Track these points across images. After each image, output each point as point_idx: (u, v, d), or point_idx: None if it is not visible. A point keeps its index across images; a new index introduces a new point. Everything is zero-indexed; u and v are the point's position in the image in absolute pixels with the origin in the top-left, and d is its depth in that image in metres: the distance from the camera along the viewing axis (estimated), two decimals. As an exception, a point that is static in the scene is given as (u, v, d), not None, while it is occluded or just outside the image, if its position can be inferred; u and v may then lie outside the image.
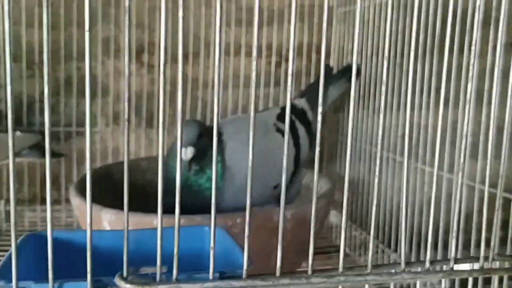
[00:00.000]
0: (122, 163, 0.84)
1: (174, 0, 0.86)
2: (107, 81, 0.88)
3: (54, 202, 0.87)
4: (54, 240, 0.38)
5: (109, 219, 0.58)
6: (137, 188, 0.78)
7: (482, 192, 0.59)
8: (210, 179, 0.67)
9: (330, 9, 0.92)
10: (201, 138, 0.66)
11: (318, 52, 0.93)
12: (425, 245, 0.67)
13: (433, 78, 0.66)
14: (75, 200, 0.64)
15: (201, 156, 0.66)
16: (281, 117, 0.75)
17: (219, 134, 0.70)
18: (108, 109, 0.88)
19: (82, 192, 0.65)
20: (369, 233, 0.78)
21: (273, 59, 0.92)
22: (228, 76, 0.91)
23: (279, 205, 0.74)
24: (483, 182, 0.56)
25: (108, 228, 0.57)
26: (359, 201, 0.82)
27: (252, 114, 0.39)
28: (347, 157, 0.40)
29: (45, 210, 0.87)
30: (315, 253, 0.40)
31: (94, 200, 0.65)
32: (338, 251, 0.85)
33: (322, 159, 0.92)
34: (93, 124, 0.88)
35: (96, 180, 0.76)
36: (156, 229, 0.38)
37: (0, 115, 0.83)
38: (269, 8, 0.91)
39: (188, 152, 0.65)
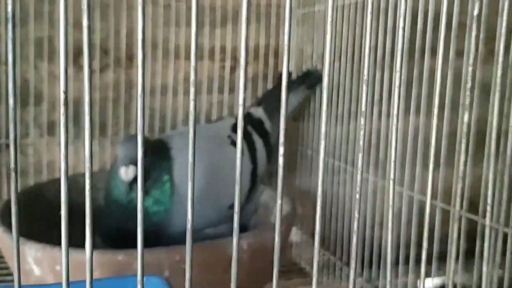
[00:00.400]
0: (58, 180, 0.75)
1: (117, -3, 0.78)
2: (41, 86, 0.78)
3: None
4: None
5: (34, 256, 0.49)
6: (74, 210, 0.70)
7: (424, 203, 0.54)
8: (157, 202, 0.59)
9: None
10: (145, 156, 0.58)
11: (276, 55, 0.86)
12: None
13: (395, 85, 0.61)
14: (-5, 230, 0.55)
15: (145, 176, 0.59)
16: (236, 128, 0.68)
17: (167, 149, 0.62)
18: (42, 118, 0.79)
19: (5, 220, 0.56)
20: (333, 254, 0.72)
21: (227, 63, 0.85)
22: (178, 81, 0.83)
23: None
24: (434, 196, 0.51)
25: (34, 266, 0.49)
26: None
27: (191, 129, 0.32)
28: (319, 183, 0.33)
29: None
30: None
31: (19, 229, 0.56)
32: (299, 271, 0.79)
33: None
34: (24, 135, 0.78)
35: (26, 202, 0.67)
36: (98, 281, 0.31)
37: None
38: (223, 8, 0.83)
39: (130, 172, 0.57)
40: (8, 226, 0.55)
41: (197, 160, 0.63)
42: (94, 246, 0.67)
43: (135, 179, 0.57)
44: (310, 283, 0.74)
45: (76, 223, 0.68)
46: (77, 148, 0.80)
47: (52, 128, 0.79)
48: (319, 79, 0.77)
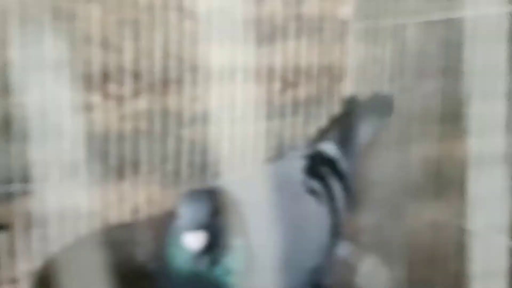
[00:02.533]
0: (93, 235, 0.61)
1: (149, 11, 0.66)
2: (60, 119, 0.66)
3: (-7, 285, 0.64)
4: None
5: None
6: (104, 271, 0.57)
7: None
8: (230, 272, 0.47)
9: (344, 24, 0.74)
10: (216, 216, 0.46)
11: (330, 75, 0.75)
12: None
13: None
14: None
15: (216, 242, 0.46)
16: (309, 170, 0.57)
17: (236, 205, 0.50)
18: (63, 156, 0.66)
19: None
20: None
21: (276, 84, 0.73)
22: (220, 108, 0.71)
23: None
24: None
25: None
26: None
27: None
28: None
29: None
30: None
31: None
32: None
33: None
34: (43, 177, 0.65)
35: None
36: None
37: None
38: (272, 22, 0.71)
39: (199, 239, 0.45)
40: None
41: (273, 217, 0.50)
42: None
43: (205, 248, 0.45)
44: None
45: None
46: (106, 190, 0.68)
47: (75, 168, 0.66)
48: (391, 106, 0.66)
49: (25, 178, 0.64)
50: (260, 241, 0.49)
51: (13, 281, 0.64)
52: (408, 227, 0.66)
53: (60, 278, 0.53)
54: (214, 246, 0.46)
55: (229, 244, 0.48)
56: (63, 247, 0.57)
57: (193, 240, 0.45)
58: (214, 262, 0.47)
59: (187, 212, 0.46)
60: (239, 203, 0.50)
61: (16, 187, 0.64)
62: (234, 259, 0.48)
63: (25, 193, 0.64)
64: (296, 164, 0.58)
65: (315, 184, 0.55)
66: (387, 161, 0.69)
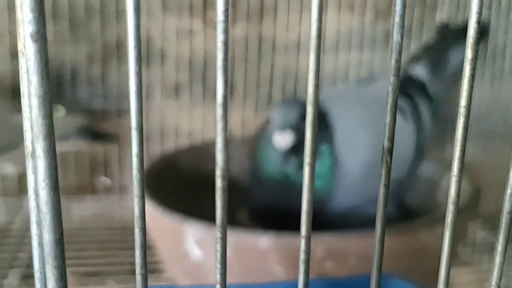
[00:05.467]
0: (192, 148, 0.68)
1: None
2: (166, 44, 0.72)
3: (106, 191, 0.73)
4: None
5: (197, 237, 0.42)
6: (209, 181, 0.63)
7: None
8: (319, 175, 0.51)
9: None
10: (304, 120, 0.50)
11: (424, 4, 0.75)
12: None
13: None
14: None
15: (301, 145, 0.50)
16: (400, 90, 0.58)
17: (323, 115, 0.53)
18: (167, 78, 0.72)
19: (153, 192, 0.49)
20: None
21: (368, 14, 0.75)
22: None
23: (395, 205, 0.58)
24: None
25: (196, 249, 0.42)
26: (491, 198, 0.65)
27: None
28: None
29: (97, 201, 0.73)
30: None
31: (164, 201, 0.50)
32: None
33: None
34: (149, 97, 0.72)
35: (159, 173, 0.60)
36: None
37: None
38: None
39: (287, 138, 0.49)
40: (159, 201, 0.49)
41: (360, 129, 0.53)
42: (236, 223, 0.59)
43: (292, 148, 0.50)
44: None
45: (211, 197, 0.61)
46: (205, 111, 0.73)
47: (178, 89, 0.73)
48: (486, 31, 0.65)
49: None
50: (346, 151, 0.52)
51: (122, 188, 0.73)
52: (496, 157, 0.66)
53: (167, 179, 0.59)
54: (302, 148, 0.50)
55: (316, 149, 0.51)
56: (164, 155, 0.63)
57: (281, 139, 0.49)
58: (302, 165, 0.51)
59: (278, 115, 0.50)
60: (328, 114, 0.53)
61: (125, 104, 0.71)
62: (320, 164, 0.52)
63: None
64: (385, 85, 0.59)
65: (402, 103, 0.57)
66: (480, 92, 0.69)
